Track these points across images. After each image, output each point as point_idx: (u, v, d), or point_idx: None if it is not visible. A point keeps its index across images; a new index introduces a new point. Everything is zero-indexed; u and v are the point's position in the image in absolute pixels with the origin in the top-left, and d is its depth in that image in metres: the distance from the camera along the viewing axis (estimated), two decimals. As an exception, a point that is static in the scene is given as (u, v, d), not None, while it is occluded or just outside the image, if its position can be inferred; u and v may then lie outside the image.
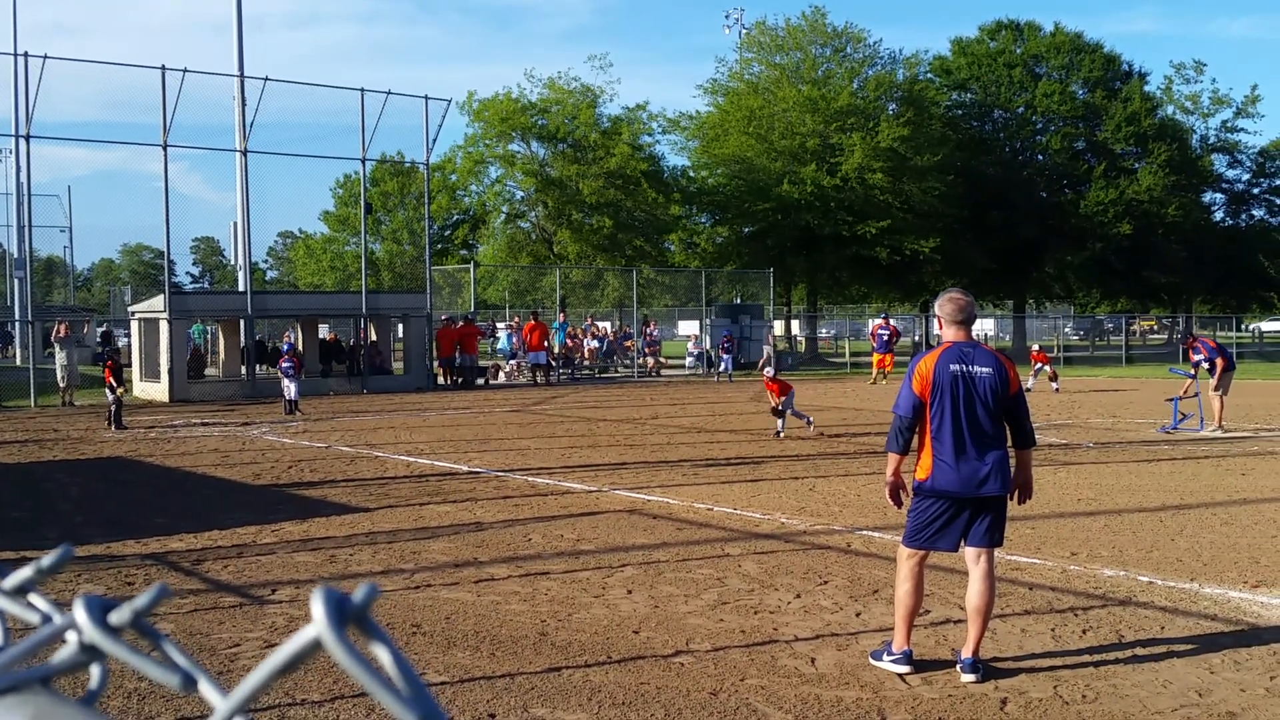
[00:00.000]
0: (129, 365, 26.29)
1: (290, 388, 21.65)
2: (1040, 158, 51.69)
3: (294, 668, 0.62)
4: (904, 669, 5.64)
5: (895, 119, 43.95)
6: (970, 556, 5.77)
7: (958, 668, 5.66)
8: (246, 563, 8.25)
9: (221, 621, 6.57)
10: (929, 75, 50.16)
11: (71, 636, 0.68)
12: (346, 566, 8.12)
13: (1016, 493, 5.95)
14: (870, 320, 61.33)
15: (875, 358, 31.51)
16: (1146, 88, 52.31)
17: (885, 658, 5.74)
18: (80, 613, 0.66)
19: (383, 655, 0.58)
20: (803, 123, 44.41)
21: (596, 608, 6.91)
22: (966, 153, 48.26)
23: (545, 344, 31.67)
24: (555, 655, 5.95)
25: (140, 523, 9.95)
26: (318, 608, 0.60)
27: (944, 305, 5.93)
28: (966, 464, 5.62)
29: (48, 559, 0.70)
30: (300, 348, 28.79)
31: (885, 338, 31.24)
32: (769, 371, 18.63)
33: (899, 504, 5.88)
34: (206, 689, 0.65)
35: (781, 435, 17.10)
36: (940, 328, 5.97)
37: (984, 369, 5.73)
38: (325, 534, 9.36)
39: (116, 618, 0.66)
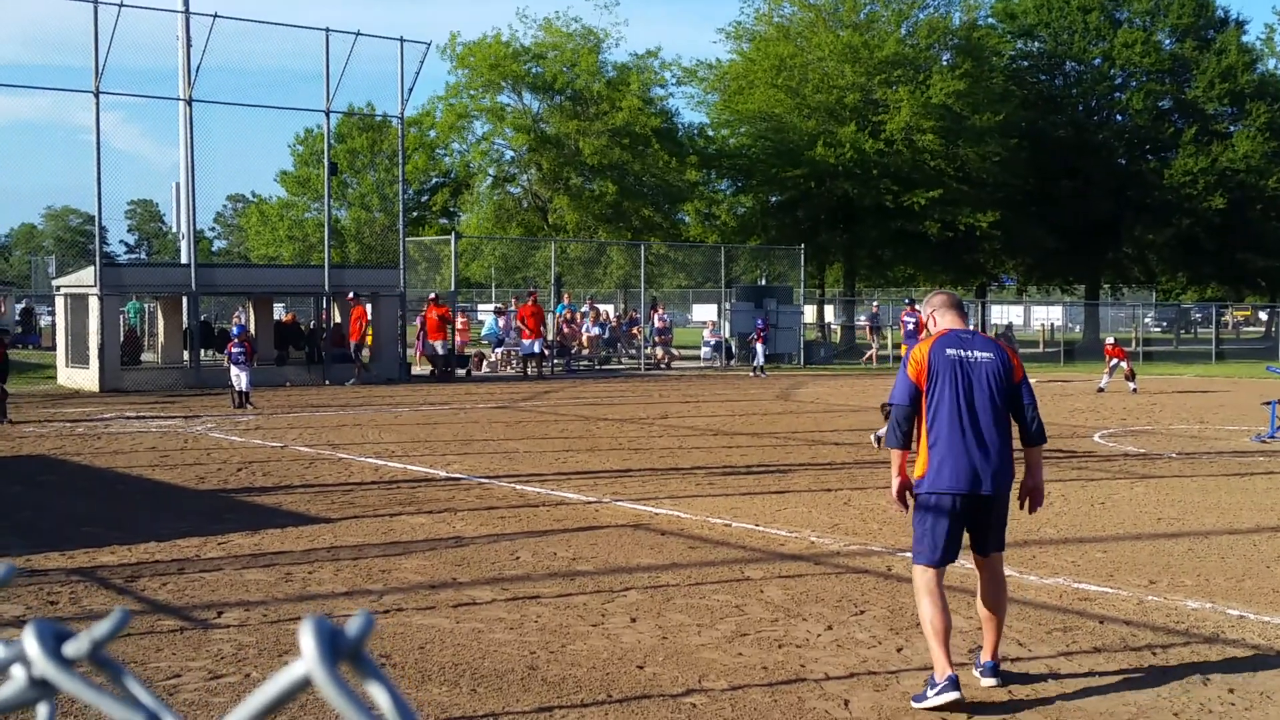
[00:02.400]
0: (52, 349, 26.37)
1: (240, 377, 21.64)
2: (1119, 119, 51.58)
3: (278, 708, 0.62)
4: (953, 696, 5.68)
5: (949, 71, 43.86)
6: (979, 561, 6.17)
7: (976, 673, 6.07)
8: (188, 580, 8.28)
9: (159, 648, 6.60)
10: (990, 20, 50.08)
11: (17, 670, 0.68)
12: (304, 586, 8.14)
13: (1027, 501, 6.31)
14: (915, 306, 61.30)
15: (903, 350, 31.69)
16: (1244, 38, 52.20)
17: (930, 694, 5.78)
18: (31, 643, 0.66)
19: (379, 696, 0.59)
20: (841, 74, 44.33)
21: (594, 638, 6.93)
22: (1032, 112, 48.18)
23: (542, 331, 31.68)
24: (546, 693, 5.96)
25: (65, 532, 9.98)
26: (307, 641, 0.60)
27: (933, 299, 6.43)
28: (967, 457, 5.91)
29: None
30: (252, 331, 28.85)
31: (911, 327, 31.18)
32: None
33: (906, 506, 6.22)
34: None
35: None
36: (933, 324, 6.33)
37: (984, 354, 6.07)
38: (280, 548, 9.39)
39: (72, 649, 0.66)
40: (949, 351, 6.03)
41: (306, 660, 0.59)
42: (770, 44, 45.72)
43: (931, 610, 5.91)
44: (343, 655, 0.60)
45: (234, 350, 22.04)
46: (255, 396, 22.42)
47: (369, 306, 28.69)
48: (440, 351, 30.32)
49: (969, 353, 6.04)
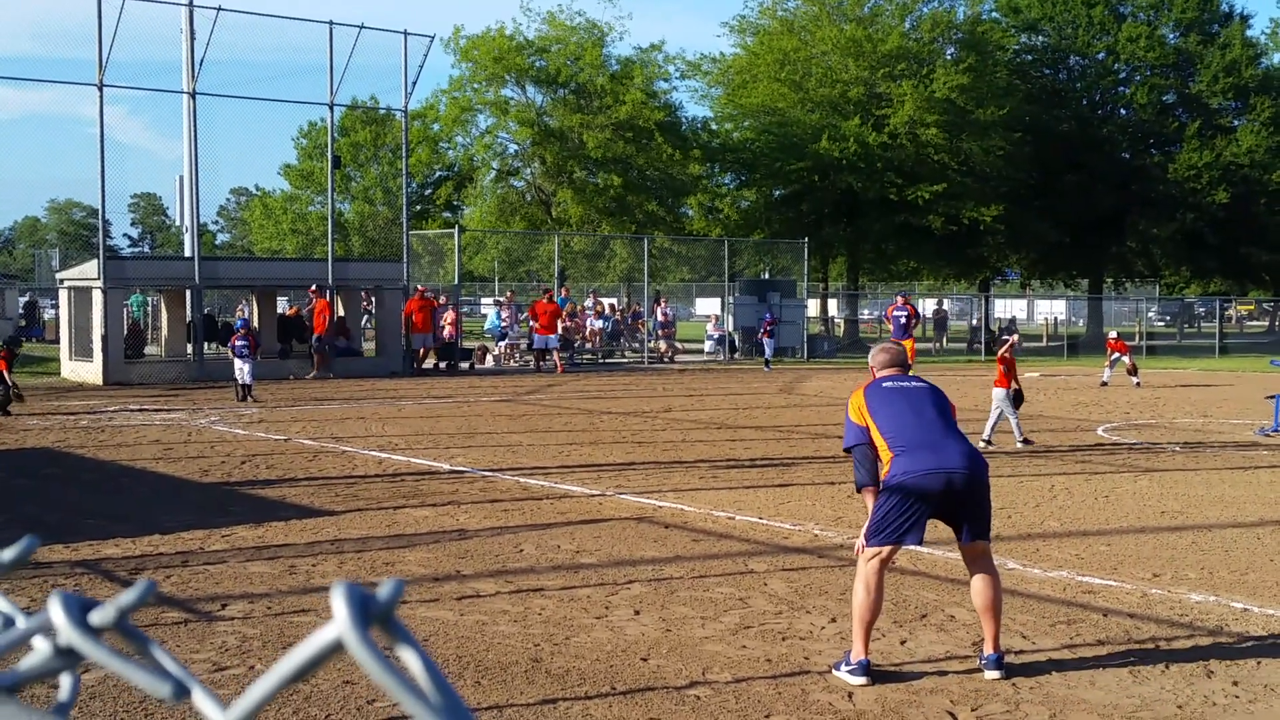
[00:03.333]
0: (56, 342, 26.39)
1: (243, 370, 21.68)
2: (1123, 113, 51.47)
3: (309, 673, 0.62)
4: (861, 680, 6.01)
5: (953, 65, 43.80)
6: (966, 554, 6.31)
7: (980, 664, 6.17)
8: (192, 573, 8.29)
9: (163, 641, 6.60)
10: (994, 14, 49.94)
11: (39, 641, 0.68)
12: (308, 579, 8.15)
13: None
14: (923, 299, 61.30)
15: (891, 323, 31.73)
16: (1249, 32, 52.03)
17: (843, 668, 6.12)
18: (57, 612, 0.66)
19: (411, 660, 0.59)
20: (845, 68, 44.27)
21: (598, 630, 6.93)
22: (1036, 106, 48.08)
23: (558, 327, 31.58)
24: (550, 685, 5.97)
25: (69, 524, 10.00)
26: (339, 605, 0.60)
27: (877, 356, 6.82)
28: (932, 449, 6.13)
29: (9, 552, 0.70)
30: (256, 324, 28.88)
31: (903, 321, 30.71)
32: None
33: None
34: (201, 700, 0.65)
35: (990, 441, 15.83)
36: (874, 375, 6.72)
37: (919, 384, 6.58)
38: (284, 540, 9.40)
39: (99, 618, 0.66)
40: (886, 385, 6.49)
41: (338, 624, 0.59)
42: (774, 38, 45.65)
43: (865, 598, 6.10)
44: (374, 619, 0.60)
45: (237, 343, 22.03)
46: (258, 389, 22.44)
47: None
48: (426, 345, 30.15)
49: (905, 383, 6.53)
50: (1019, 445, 15.69)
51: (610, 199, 42.72)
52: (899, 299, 31.91)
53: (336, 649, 0.60)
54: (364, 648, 0.58)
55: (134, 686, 0.64)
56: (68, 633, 0.65)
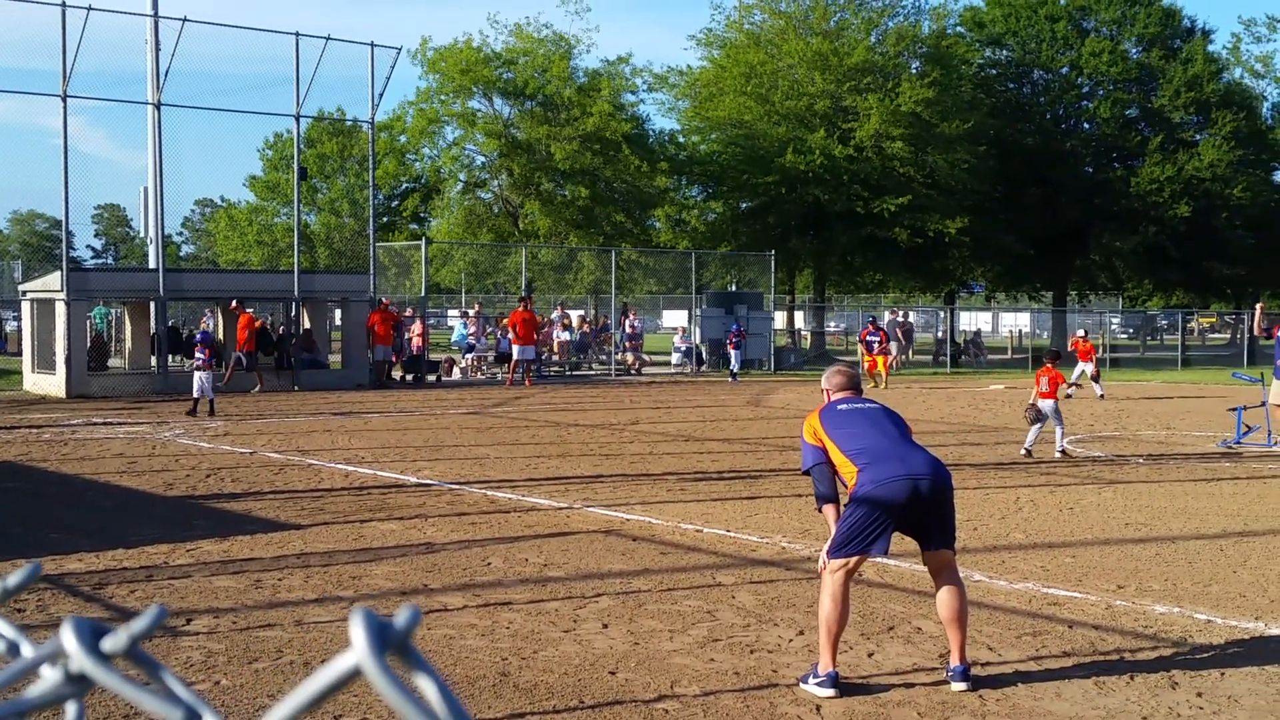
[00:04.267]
0: (18, 354, 26.14)
1: (204, 384, 21.22)
2: (1086, 127, 51.96)
3: (326, 699, 0.63)
4: (829, 692, 6.03)
5: (919, 79, 44.09)
6: (931, 565, 6.34)
7: (947, 676, 6.19)
8: (157, 587, 8.22)
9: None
10: (959, 29, 50.34)
11: (46, 670, 0.68)
12: (274, 593, 8.10)
13: None
14: (885, 313, 61.68)
15: (866, 360, 32.25)
16: (1211, 47, 52.62)
17: (810, 681, 6.13)
18: (69, 638, 0.66)
19: (427, 687, 0.59)
20: (811, 81, 44.49)
21: (566, 644, 6.92)
22: (1001, 120, 48.47)
23: (536, 338, 31.32)
24: (518, 699, 5.95)
25: (32, 539, 9.90)
26: (358, 633, 0.61)
27: (832, 378, 6.88)
28: (898, 459, 6.19)
29: (14, 577, 0.70)
30: (220, 336, 28.69)
31: (874, 346, 32.27)
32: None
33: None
34: None
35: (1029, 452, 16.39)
36: (828, 397, 6.80)
37: (873, 404, 6.72)
38: (249, 554, 9.34)
39: (111, 644, 0.66)
40: (841, 407, 6.59)
41: (356, 652, 0.60)
42: (741, 51, 45.82)
43: (832, 610, 6.13)
44: (391, 647, 0.61)
45: (198, 356, 21.61)
46: (223, 403, 22.27)
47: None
48: (387, 358, 29.88)
49: (859, 404, 6.65)
50: (1058, 454, 16.34)
51: (578, 211, 42.74)
52: (870, 324, 33.10)
53: (354, 675, 0.60)
54: (382, 675, 0.59)
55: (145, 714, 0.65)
56: (79, 659, 0.66)
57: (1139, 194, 48.55)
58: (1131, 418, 23.33)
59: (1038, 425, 16.32)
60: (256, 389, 26.62)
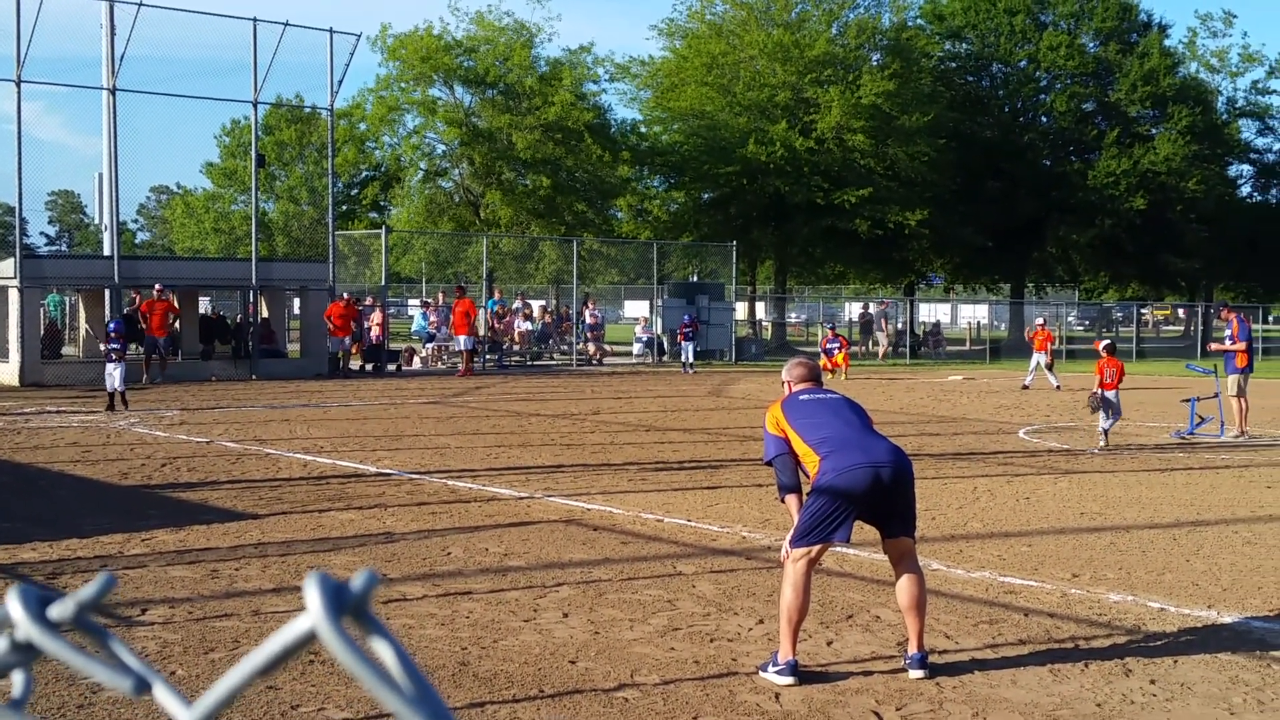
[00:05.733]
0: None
1: (113, 375, 19.41)
2: (1044, 120, 52.37)
3: (281, 665, 0.62)
4: (789, 680, 6.06)
5: (879, 71, 44.28)
6: (892, 553, 6.39)
7: (905, 664, 6.23)
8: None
9: (81, 646, 6.48)
10: (919, 21, 50.61)
11: None
12: (231, 583, 8.04)
13: None
14: (847, 304, 61.87)
15: (824, 363, 32.16)
16: (1167, 41, 53.19)
17: (770, 669, 6.16)
18: (15, 606, 0.65)
19: (384, 651, 0.59)
20: (772, 73, 44.59)
21: (526, 633, 6.91)
22: (960, 113, 48.76)
23: (471, 328, 31.34)
24: (478, 688, 5.94)
25: (-16, 528, 9.77)
26: (313, 596, 0.60)
27: (793, 370, 6.89)
28: (860, 447, 6.23)
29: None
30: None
31: (834, 351, 31.80)
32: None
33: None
34: (163, 695, 0.64)
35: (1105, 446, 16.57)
36: (789, 389, 6.81)
37: (834, 395, 6.73)
38: (206, 544, 9.26)
39: (58, 612, 0.65)
40: (803, 397, 6.61)
41: (311, 615, 0.59)
42: (702, 41, 45.85)
43: (794, 599, 6.15)
44: (346, 610, 0.60)
45: (110, 346, 19.67)
46: (180, 392, 22.06)
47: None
48: (344, 348, 29.73)
49: (821, 395, 6.67)
50: (1100, 444, 16.54)
51: (539, 200, 42.65)
52: (830, 331, 33.18)
53: (309, 640, 0.60)
54: (337, 638, 0.58)
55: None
56: (26, 627, 0.65)
57: (1095, 187, 48.99)
58: (1086, 409, 23.51)
59: (1102, 412, 16.59)
60: (158, 378, 25.67)
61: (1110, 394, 16.54)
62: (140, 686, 0.65)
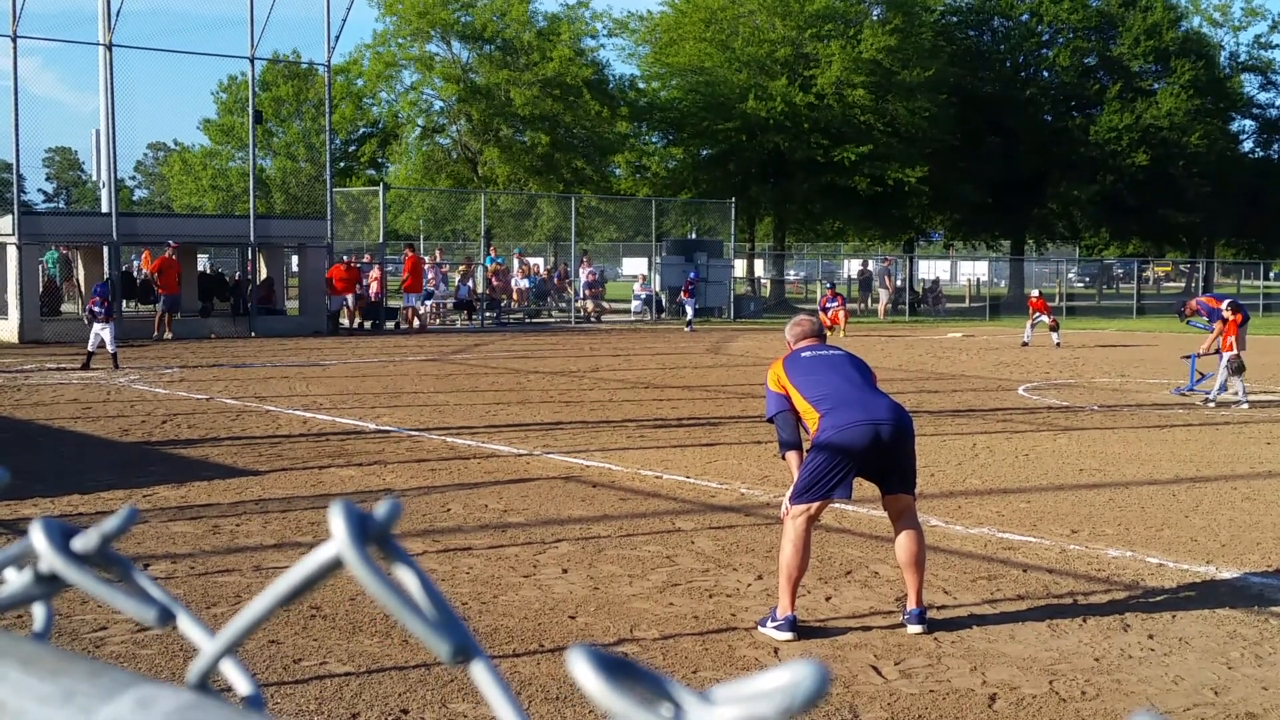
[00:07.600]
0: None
1: (104, 336, 19.29)
2: (1045, 75, 52.06)
3: (306, 592, 0.62)
4: (788, 636, 6.10)
5: (880, 26, 43.98)
6: (891, 509, 6.38)
7: (903, 619, 6.27)
8: (113, 533, 8.16)
9: (84, 600, 6.50)
10: (920, -25, 50.14)
11: (10, 574, 0.67)
12: (232, 539, 8.07)
13: None
14: (846, 261, 61.75)
15: (822, 319, 32.21)
16: (1170, -4, 52.75)
17: (769, 624, 6.18)
18: (39, 537, 0.64)
19: (408, 578, 0.59)
20: (772, 28, 44.27)
21: (526, 589, 6.94)
22: (961, 68, 48.47)
23: (423, 286, 31.43)
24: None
25: (-16, 485, 9.79)
26: (338, 523, 0.60)
27: (794, 328, 6.89)
28: (860, 405, 6.23)
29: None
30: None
31: (830, 311, 31.74)
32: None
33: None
34: (188, 625, 0.64)
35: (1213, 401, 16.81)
36: (791, 346, 6.82)
37: (837, 351, 6.74)
38: (207, 500, 9.29)
39: (82, 544, 0.65)
40: (805, 354, 6.60)
41: (336, 542, 0.59)
42: (701, -5, 45.51)
43: (793, 556, 6.16)
44: (371, 538, 0.60)
45: (94, 308, 19.57)
46: (181, 349, 22.07)
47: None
48: (344, 306, 29.80)
49: (823, 351, 6.67)
50: (1238, 399, 16.68)
51: (537, 157, 42.46)
52: (829, 290, 33.15)
53: (335, 566, 0.60)
54: (363, 564, 0.59)
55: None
56: (50, 558, 0.64)
57: (1097, 143, 48.78)
58: (1087, 365, 23.55)
59: (1237, 376, 16.70)
60: (155, 335, 25.86)
61: (1227, 355, 16.75)
62: (164, 617, 0.65)
